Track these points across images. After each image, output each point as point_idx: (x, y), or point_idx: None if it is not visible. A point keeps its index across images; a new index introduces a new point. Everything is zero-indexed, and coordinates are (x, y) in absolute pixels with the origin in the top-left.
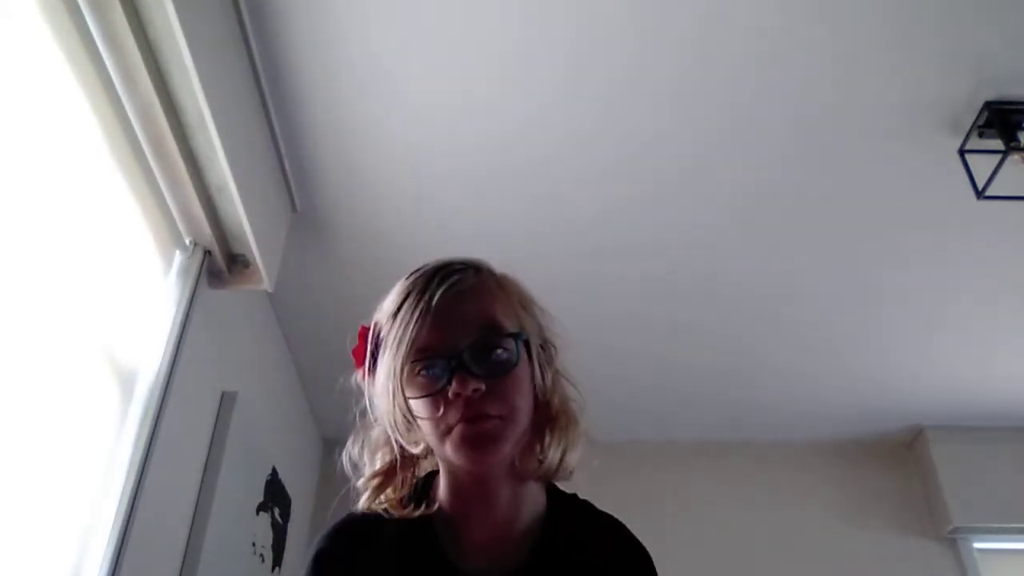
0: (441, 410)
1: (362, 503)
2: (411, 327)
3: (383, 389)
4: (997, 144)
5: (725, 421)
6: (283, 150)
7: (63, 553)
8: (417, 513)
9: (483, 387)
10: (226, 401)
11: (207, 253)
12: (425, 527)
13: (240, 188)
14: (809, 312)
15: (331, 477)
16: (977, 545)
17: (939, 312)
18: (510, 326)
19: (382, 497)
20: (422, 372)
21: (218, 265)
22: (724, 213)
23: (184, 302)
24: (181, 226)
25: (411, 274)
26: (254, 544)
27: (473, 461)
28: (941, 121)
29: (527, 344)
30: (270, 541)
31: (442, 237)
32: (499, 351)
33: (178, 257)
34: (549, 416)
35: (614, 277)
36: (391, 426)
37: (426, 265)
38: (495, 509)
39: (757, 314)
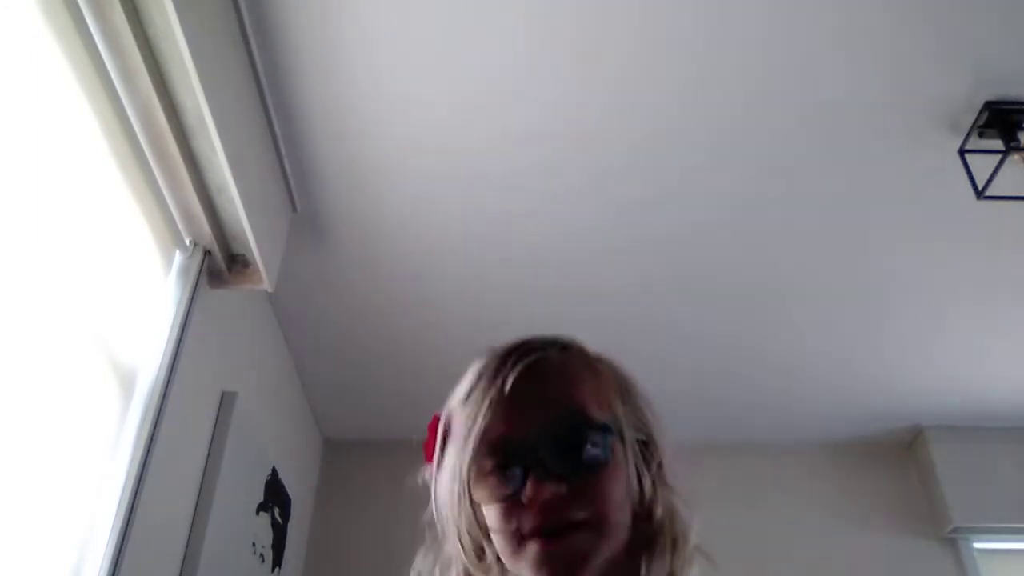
0: (514, 521)
1: None
2: (480, 418)
3: (447, 493)
4: (997, 144)
5: (725, 421)
6: (283, 150)
7: (63, 553)
8: None
9: (563, 491)
10: (226, 401)
11: (207, 253)
12: None
13: (240, 188)
14: (809, 312)
15: (331, 477)
16: (977, 545)
17: (939, 312)
18: (601, 416)
19: None
20: (492, 472)
21: (218, 265)
22: (723, 214)
23: (184, 302)
24: (181, 226)
25: (487, 353)
26: (254, 544)
27: None
28: (941, 121)
29: (622, 438)
30: (270, 541)
31: (443, 238)
32: (585, 448)
33: (178, 257)
34: (648, 533)
35: (615, 278)
36: (456, 540)
37: (505, 343)
38: None
39: (757, 314)
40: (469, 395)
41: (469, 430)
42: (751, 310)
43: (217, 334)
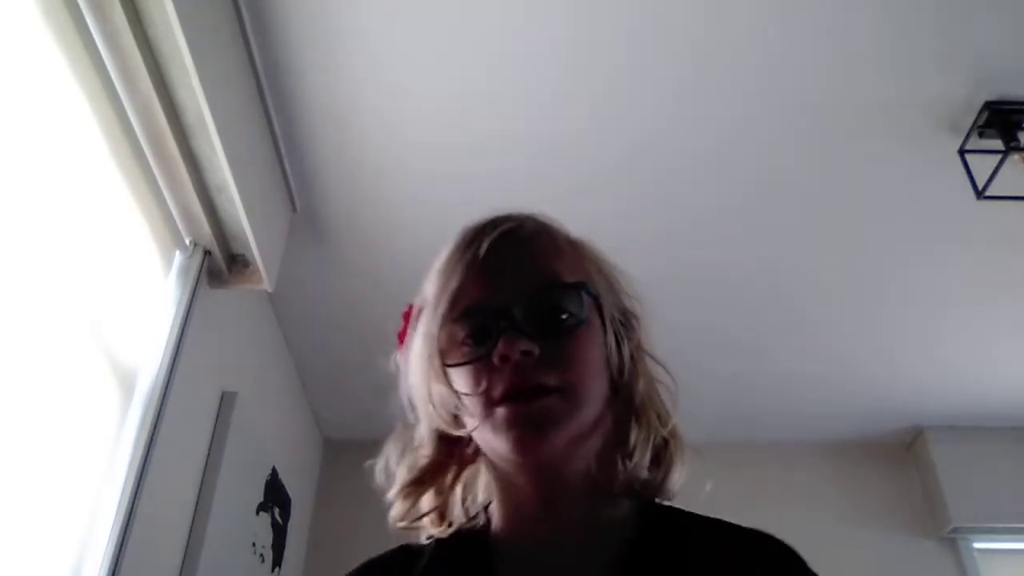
0: (484, 382)
1: (393, 517)
2: (452, 280)
3: (418, 359)
4: (997, 144)
5: (725, 421)
6: (283, 150)
7: (63, 553)
8: (460, 528)
9: (536, 350)
10: (226, 401)
11: (207, 253)
12: (475, 544)
13: (240, 188)
14: (809, 312)
15: (331, 477)
16: (977, 545)
17: (939, 312)
18: (577, 278)
19: (418, 510)
20: (465, 337)
21: (218, 265)
22: (723, 214)
23: (184, 302)
24: (181, 226)
25: (462, 229)
26: (254, 544)
27: (520, 448)
28: (941, 121)
29: (598, 303)
30: (270, 541)
31: (443, 237)
32: (559, 309)
33: (178, 257)
34: (631, 405)
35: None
36: (425, 405)
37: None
38: (566, 534)
39: (756, 315)
40: (443, 265)
41: (441, 293)
42: (750, 310)
43: (217, 334)
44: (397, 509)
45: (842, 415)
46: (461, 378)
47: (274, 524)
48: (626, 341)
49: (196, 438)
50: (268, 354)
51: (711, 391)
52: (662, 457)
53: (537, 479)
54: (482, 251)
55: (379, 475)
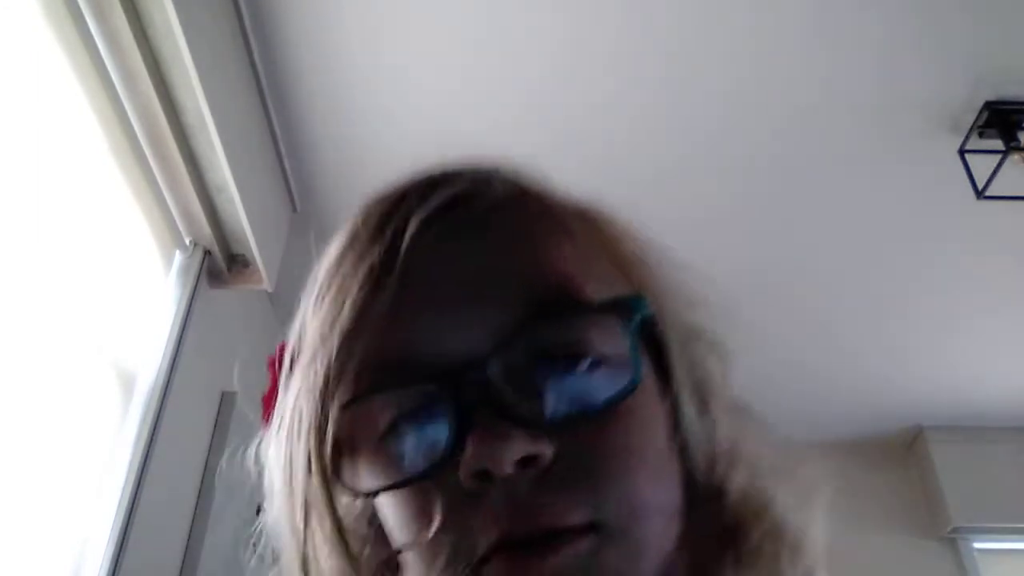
0: (437, 520)
1: None
2: (344, 312)
3: (284, 480)
4: (997, 144)
5: None
6: (283, 150)
7: (63, 553)
8: None
9: (548, 452)
10: (226, 401)
11: (207, 253)
12: None
13: (240, 188)
14: (808, 312)
15: None
16: (977, 545)
17: (939, 312)
18: (600, 293)
19: None
20: (389, 424)
21: (218, 265)
22: (722, 214)
23: (184, 302)
24: (181, 226)
25: (365, 203)
26: (254, 544)
27: None
28: (941, 121)
29: (657, 339)
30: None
31: None
32: (580, 356)
33: (178, 257)
34: (721, 517)
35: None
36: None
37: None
38: None
39: (755, 314)
40: (329, 278)
41: (328, 330)
42: (750, 310)
43: (217, 334)
44: None
45: (842, 414)
46: (391, 514)
47: None
48: (712, 400)
49: (196, 438)
50: (268, 354)
51: None
52: None
53: None
54: (403, 246)
55: None
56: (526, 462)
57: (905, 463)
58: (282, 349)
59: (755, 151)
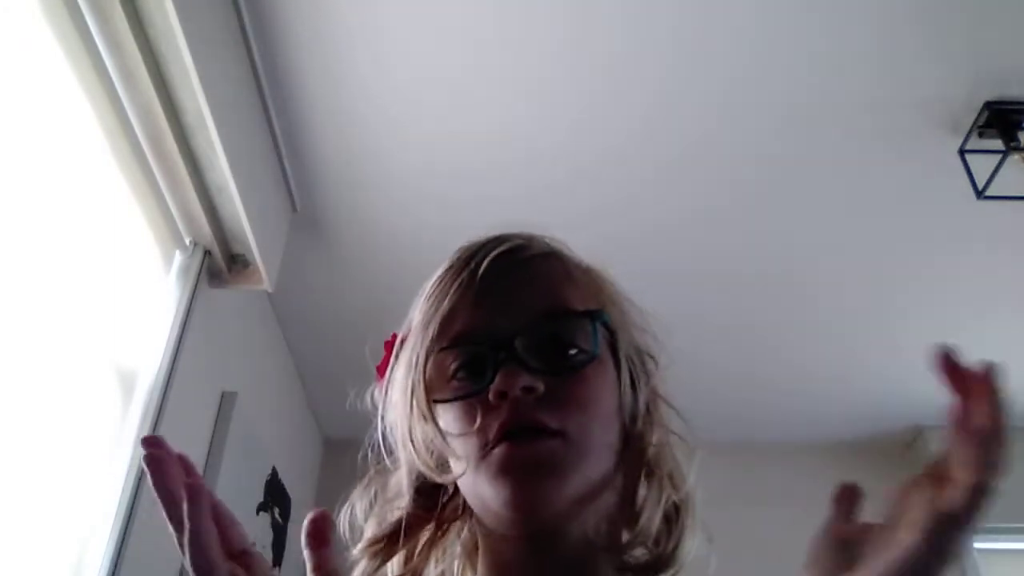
0: (477, 421)
1: None
2: (444, 303)
3: (400, 393)
4: (997, 144)
5: (724, 420)
6: (283, 150)
7: (63, 553)
8: None
9: (540, 387)
10: (226, 401)
11: (207, 253)
12: None
13: (240, 188)
14: (808, 312)
15: (331, 477)
16: (977, 545)
17: (938, 311)
18: (589, 306)
19: (384, 574)
20: (456, 369)
21: (218, 265)
22: (722, 213)
23: (184, 302)
24: (181, 226)
25: (458, 249)
26: (254, 544)
27: (515, 500)
28: (941, 121)
29: (612, 338)
30: (270, 541)
31: (443, 236)
32: (568, 342)
33: (178, 257)
34: (641, 460)
35: (614, 270)
36: (406, 446)
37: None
38: None
39: (755, 314)
40: (434, 287)
41: (430, 317)
42: (749, 310)
43: (217, 334)
44: (360, 570)
45: (842, 415)
46: (450, 416)
47: (274, 524)
48: (643, 385)
49: (196, 438)
50: (268, 354)
51: (710, 391)
52: (672, 524)
53: (530, 541)
54: (480, 271)
55: (342, 527)
56: (528, 391)
57: (905, 463)
58: (395, 337)
59: (755, 151)
